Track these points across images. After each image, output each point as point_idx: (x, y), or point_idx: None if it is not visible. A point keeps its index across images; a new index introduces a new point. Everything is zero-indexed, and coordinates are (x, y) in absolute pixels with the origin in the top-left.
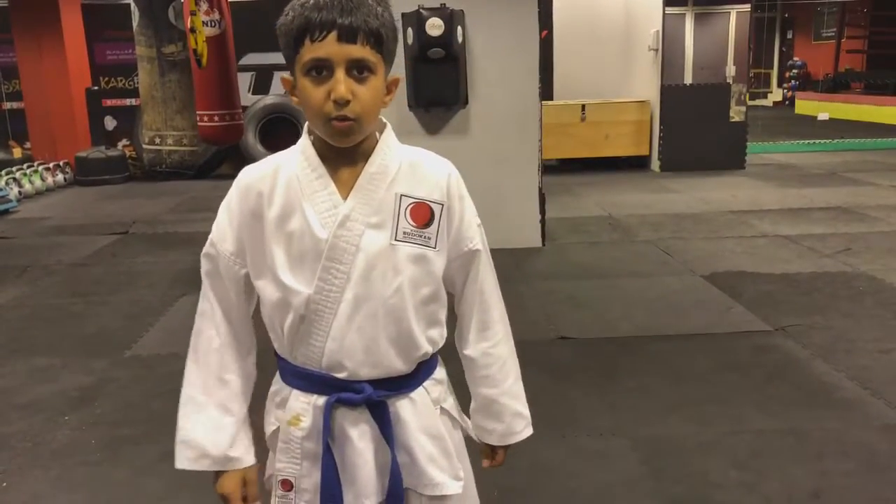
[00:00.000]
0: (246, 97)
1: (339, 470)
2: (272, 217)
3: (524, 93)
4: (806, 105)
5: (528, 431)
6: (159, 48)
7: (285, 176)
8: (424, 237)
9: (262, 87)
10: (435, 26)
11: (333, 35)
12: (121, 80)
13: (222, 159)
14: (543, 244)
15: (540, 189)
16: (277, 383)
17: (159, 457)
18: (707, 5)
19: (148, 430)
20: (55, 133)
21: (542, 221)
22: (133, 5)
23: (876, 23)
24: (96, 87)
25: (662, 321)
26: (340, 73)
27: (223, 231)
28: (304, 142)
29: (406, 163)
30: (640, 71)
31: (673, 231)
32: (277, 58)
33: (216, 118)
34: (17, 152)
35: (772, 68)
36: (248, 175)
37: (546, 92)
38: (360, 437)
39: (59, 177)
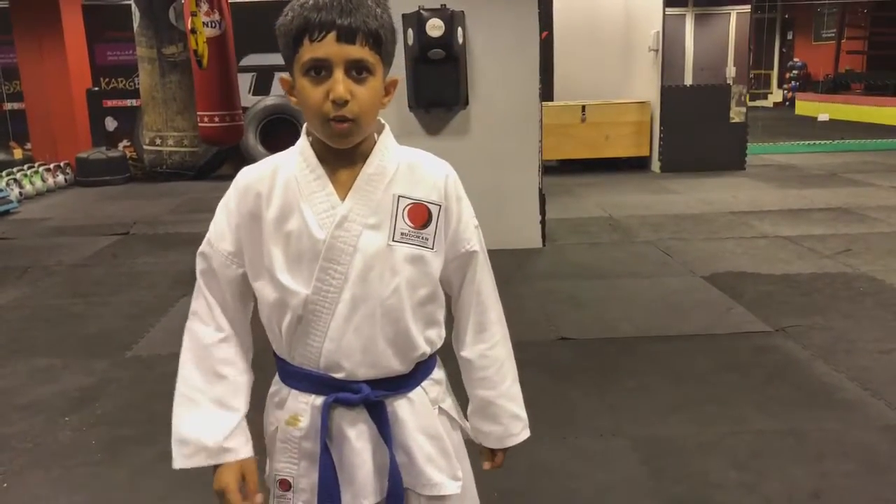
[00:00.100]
0: (246, 98)
1: (337, 470)
2: (271, 218)
3: (524, 93)
4: (806, 106)
5: (526, 434)
6: (160, 49)
7: (284, 177)
8: (422, 238)
9: (262, 88)
10: (435, 27)
11: (333, 35)
12: (121, 81)
13: (223, 160)
14: (544, 245)
15: (540, 190)
16: (277, 384)
17: (160, 457)
18: (707, 6)
19: (148, 431)
20: (56, 134)
21: (543, 222)
22: (134, 6)
23: (876, 24)
24: (97, 88)
25: (662, 322)
26: (339, 74)
27: (221, 231)
28: (303, 143)
29: (404, 164)
30: (640, 72)
31: (673, 232)
32: (278, 59)
33: (216, 119)
34: (18, 153)
35: (772, 69)
36: (247, 176)
37: (546, 93)
38: (357, 437)
39: (60, 178)
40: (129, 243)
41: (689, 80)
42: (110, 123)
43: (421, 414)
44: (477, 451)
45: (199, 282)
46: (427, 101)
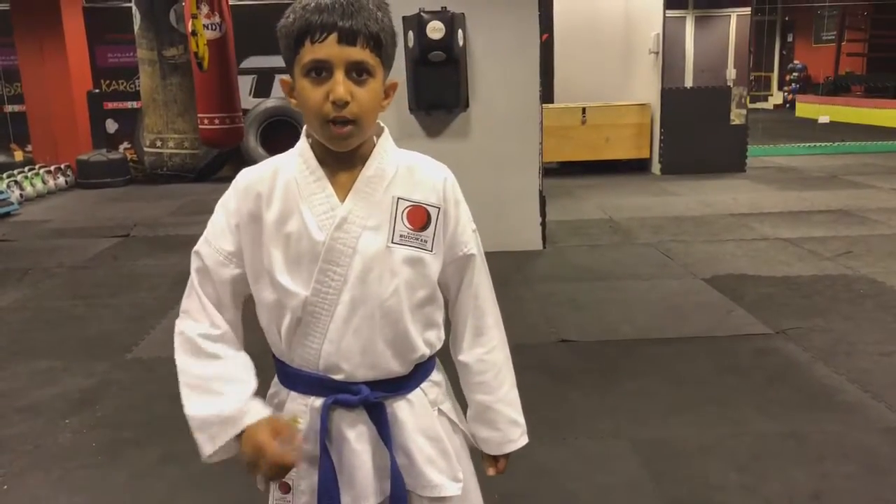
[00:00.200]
0: (247, 100)
1: (337, 471)
2: (271, 219)
3: (525, 96)
4: (806, 108)
5: (524, 440)
6: (160, 51)
7: (284, 178)
8: (421, 240)
9: (263, 90)
10: (436, 29)
11: (334, 37)
12: (122, 83)
13: (223, 162)
14: (544, 247)
15: (540, 192)
16: (275, 386)
17: (160, 459)
18: (707, 8)
19: (149, 433)
20: (56, 136)
21: (543, 224)
22: (134, 8)
23: (876, 26)
24: (97, 90)
25: (663, 324)
26: (340, 75)
27: (221, 230)
28: (303, 144)
29: (403, 166)
30: (640, 74)
31: (673, 234)
32: (278, 61)
33: (217, 121)
34: (19, 155)
35: (772, 71)
36: (247, 177)
37: (546, 95)
38: (357, 438)
39: (61, 180)
40: (129, 245)
41: (689, 83)
42: (111, 125)
43: (420, 415)
44: (479, 454)
45: (193, 280)
46: (427, 104)
